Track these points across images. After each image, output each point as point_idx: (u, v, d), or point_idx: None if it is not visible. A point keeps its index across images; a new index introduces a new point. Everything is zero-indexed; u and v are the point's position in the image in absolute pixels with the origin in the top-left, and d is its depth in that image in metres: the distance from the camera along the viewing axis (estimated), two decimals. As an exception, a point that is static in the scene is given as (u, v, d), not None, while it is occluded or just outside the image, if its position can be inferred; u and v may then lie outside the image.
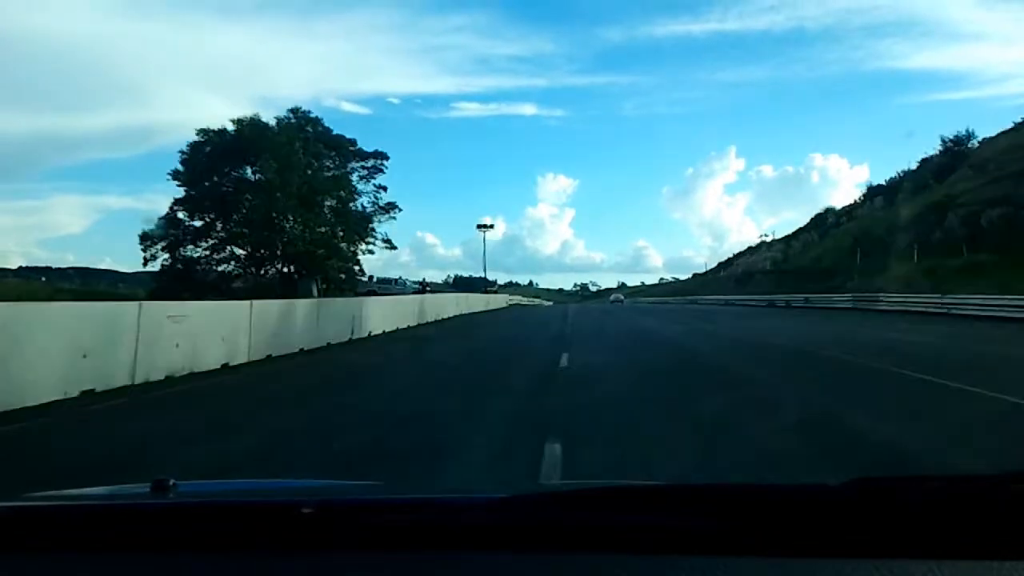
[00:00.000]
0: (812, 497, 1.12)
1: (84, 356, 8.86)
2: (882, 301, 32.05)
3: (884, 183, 58.59)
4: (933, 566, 0.96)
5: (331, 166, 39.13)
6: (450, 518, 1.16)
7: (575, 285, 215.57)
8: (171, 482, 1.29)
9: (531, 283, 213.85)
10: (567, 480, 4.63)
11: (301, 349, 14.83)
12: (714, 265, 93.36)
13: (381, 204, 40.64)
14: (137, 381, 9.78)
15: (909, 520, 1.04)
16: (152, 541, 1.13)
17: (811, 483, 1.15)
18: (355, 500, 1.31)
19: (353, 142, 40.25)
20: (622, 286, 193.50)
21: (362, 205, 40.00)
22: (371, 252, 40.00)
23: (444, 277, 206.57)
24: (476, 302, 45.29)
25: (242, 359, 12.58)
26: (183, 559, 1.09)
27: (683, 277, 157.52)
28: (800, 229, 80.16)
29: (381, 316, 21.41)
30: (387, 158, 41.35)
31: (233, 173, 36.09)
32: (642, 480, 2.32)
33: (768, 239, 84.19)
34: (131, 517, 1.20)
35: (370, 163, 40.73)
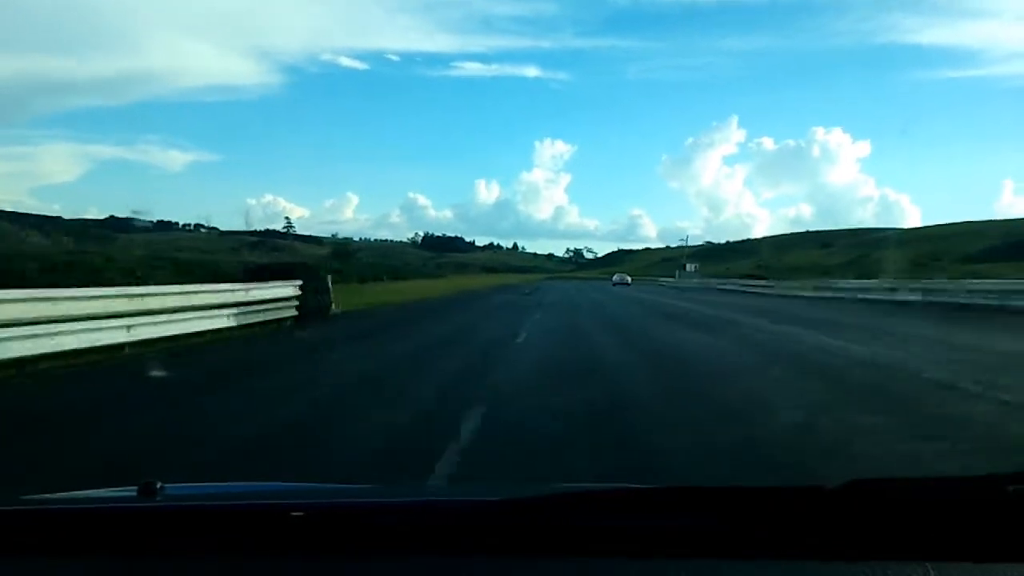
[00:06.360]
0: (810, 499, 1.12)
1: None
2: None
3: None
4: (930, 568, 0.96)
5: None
6: (444, 522, 1.14)
7: (568, 251, 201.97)
8: (158, 485, 1.26)
9: (516, 246, 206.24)
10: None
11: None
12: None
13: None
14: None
15: (906, 522, 1.05)
16: (138, 546, 1.10)
17: (808, 485, 1.15)
18: (347, 503, 1.28)
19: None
20: (619, 251, 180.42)
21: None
22: None
23: (412, 235, 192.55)
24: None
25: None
26: (169, 564, 1.07)
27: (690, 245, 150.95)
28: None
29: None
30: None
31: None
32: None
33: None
34: (116, 522, 1.17)
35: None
